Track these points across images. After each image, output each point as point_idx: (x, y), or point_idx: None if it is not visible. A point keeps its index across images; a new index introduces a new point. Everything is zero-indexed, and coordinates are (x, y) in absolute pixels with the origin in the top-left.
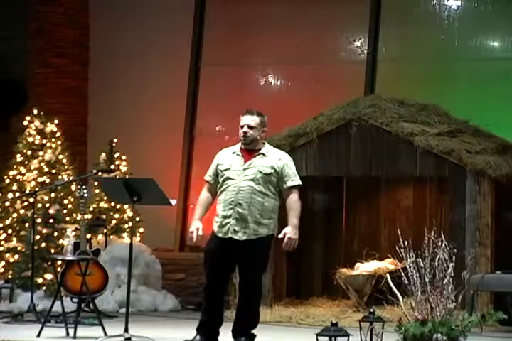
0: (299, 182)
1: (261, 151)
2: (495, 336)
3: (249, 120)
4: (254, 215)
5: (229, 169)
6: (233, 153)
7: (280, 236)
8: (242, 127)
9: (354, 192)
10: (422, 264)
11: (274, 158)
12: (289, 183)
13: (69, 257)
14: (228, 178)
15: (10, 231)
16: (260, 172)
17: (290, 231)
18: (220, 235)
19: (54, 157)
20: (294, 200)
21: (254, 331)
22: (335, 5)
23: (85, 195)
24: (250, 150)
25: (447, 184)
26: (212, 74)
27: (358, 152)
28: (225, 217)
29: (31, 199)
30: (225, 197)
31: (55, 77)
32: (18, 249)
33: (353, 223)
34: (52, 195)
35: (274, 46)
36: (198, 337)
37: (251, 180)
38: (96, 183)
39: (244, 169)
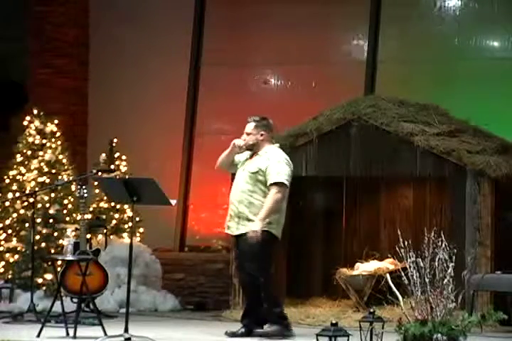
0: (278, 180)
1: (259, 153)
2: (495, 336)
3: (246, 128)
4: (244, 212)
5: (238, 168)
6: (249, 154)
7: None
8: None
9: (354, 192)
10: (422, 264)
11: (264, 159)
12: (270, 181)
13: (69, 257)
14: (235, 178)
15: (10, 231)
16: (249, 171)
17: (253, 224)
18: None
19: (54, 157)
20: (268, 196)
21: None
22: (335, 5)
23: (85, 195)
24: (253, 152)
25: (447, 184)
26: (212, 74)
27: (358, 152)
28: (227, 214)
29: (31, 199)
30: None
31: (55, 77)
32: (18, 249)
33: (353, 223)
34: (52, 195)
35: (274, 46)
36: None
37: (243, 179)
38: (96, 183)
39: (243, 169)
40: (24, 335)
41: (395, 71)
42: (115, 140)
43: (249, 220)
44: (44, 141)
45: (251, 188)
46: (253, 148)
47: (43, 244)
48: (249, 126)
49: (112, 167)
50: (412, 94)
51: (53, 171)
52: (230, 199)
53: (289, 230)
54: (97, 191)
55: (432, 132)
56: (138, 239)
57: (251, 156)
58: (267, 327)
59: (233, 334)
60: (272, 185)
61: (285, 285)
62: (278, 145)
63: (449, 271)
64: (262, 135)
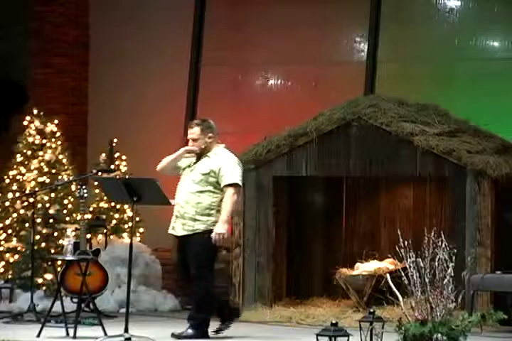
0: (233, 181)
1: (208, 154)
2: (495, 336)
3: (190, 134)
4: (190, 212)
5: (183, 169)
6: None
7: (212, 235)
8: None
9: (354, 192)
10: (422, 264)
11: (216, 160)
12: (225, 182)
13: (69, 257)
14: (181, 179)
15: (10, 231)
16: (199, 172)
17: (217, 226)
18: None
19: (54, 157)
20: (226, 197)
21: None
22: (335, 5)
23: (85, 195)
24: (201, 154)
25: (447, 184)
26: (212, 74)
27: (358, 152)
28: (173, 215)
29: (31, 199)
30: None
31: (55, 77)
32: (18, 249)
33: (353, 223)
34: (52, 195)
35: (274, 46)
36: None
37: (192, 180)
38: (96, 183)
39: (191, 170)
40: (24, 335)
41: (395, 71)
42: (115, 140)
43: (195, 220)
44: (44, 141)
45: (200, 189)
46: (203, 151)
47: (43, 244)
48: (195, 131)
49: (112, 167)
50: (412, 94)
51: (53, 171)
52: (175, 201)
53: (288, 230)
54: (97, 191)
55: (432, 132)
56: (138, 239)
57: (199, 158)
58: (185, 331)
59: (179, 336)
60: (227, 186)
61: (285, 285)
62: (224, 145)
63: (449, 271)
64: (210, 137)
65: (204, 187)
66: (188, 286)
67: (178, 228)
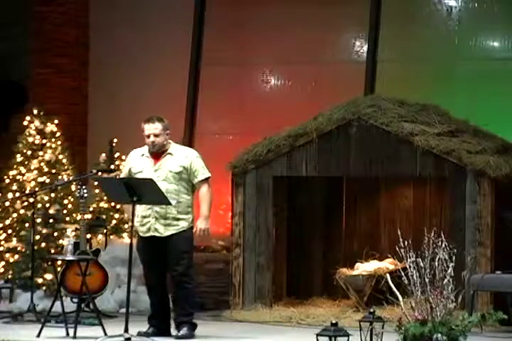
0: (208, 174)
1: (168, 151)
2: (495, 336)
3: (152, 129)
4: (172, 212)
5: (141, 172)
6: (142, 155)
7: (194, 230)
8: (148, 136)
9: (354, 192)
10: (422, 264)
11: (182, 156)
12: (199, 177)
13: (69, 257)
14: None
15: (10, 231)
16: (171, 171)
17: (201, 222)
18: (142, 234)
19: (54, 157)
20: (204, 192)
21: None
22: (335, 5)
23: (85, 195)
24: (158, 152)
25: (447, 184)
26: (212, 74)
27: (358, 152)
28: (144, 216)
29: (31, 199)
30: None
31: (55, 77)
32: (18, 249)
33: (353, 223)
34: (52, 195)
35: (274, 46)
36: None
37: (163, 180)
38: (96, 183)
39: (155, 170)
40: (24, 335)
41: (395, 71)
42: (115, 140)
43: (178, 220)
44: (44, 141)
45: (177, 188)
46: (161, 149)
47: (43, 244)
48: (158, 127)
49: (112, 167)
50: (412, 94)
51: (53, 171)
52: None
53: (288, 230)
54: (97, 191)
55: (432, 132)
56: None
57: (157, 156)
58: (183, 330)
59: (180, 337)
60: (203, 181)
61: (285, 285)
62: (172, 142)
63: (449, 271)
64: (167, 134)
65: (179, 185)
66: (154, 289)
67: (161, 229)
